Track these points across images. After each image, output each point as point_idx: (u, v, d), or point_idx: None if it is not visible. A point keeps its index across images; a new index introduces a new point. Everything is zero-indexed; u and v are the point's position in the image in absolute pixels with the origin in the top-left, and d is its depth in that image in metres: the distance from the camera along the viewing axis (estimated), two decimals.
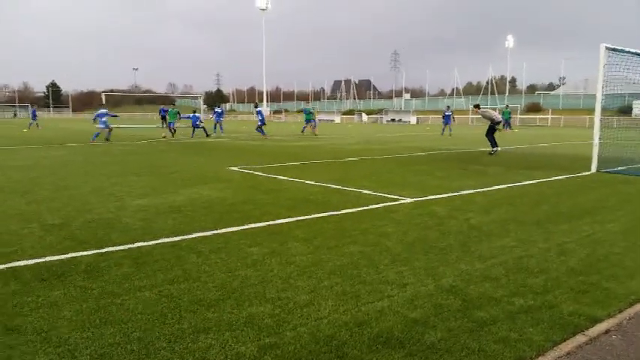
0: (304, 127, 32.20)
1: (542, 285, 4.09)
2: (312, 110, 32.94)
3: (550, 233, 5.82)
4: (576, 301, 3.74)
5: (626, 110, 28.76)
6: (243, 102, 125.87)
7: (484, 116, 16.90)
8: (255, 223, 6.20)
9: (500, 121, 17.17)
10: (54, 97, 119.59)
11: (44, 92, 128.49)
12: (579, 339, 3.14)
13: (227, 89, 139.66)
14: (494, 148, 16.41)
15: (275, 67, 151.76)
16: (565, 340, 3.11)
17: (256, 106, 30.49)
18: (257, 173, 11.24)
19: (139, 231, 5.81)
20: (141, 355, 2.92)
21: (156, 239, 5.39)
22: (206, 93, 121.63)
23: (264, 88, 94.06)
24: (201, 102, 53.17)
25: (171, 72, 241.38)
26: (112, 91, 56.91)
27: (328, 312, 3.51)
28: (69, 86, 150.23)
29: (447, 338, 3.11)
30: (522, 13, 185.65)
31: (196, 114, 27.70)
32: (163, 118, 35.27)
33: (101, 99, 34.59)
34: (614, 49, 11.63)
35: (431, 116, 73.01)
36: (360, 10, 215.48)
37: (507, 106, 41.32)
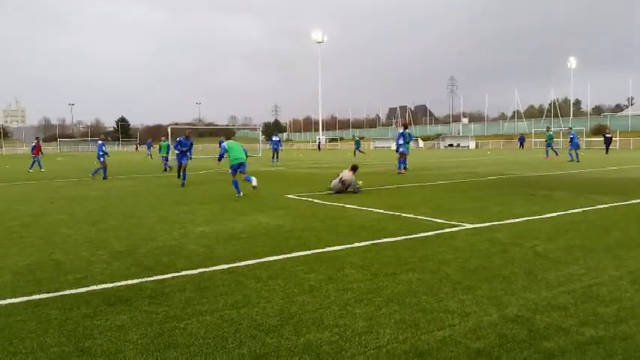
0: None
1: (614, 315, 3.83)
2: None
3: (621, 260, 5.47)
4: None
5: None
6: (299, 131, 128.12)
7: None
8: (312, 249, 6.24)
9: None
10: (122, 131, 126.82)
11: (114, 127, 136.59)
12: None
13: (284, 119, 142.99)
14: None
15: (330, 96, 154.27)
16: None
17: (405, 128, 20.59)
18: (314, 200, 11.35)
19: (201, 257, 6.00)
20: None
21: (217, 265, 5.53)
22: (264, 124, 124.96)
23: (320, 117, 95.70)
24: (260, 132, 54.57)
25: (232, 105, 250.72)
26: (176, 124, 59.62)
27: (387, 340, 3.45)
28: (137, 121, 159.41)
29: None
30: (584, 33, 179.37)
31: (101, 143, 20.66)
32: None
33: (167, 132, 36.26)
34: None
35: (491, 140, 71.21)
36: (415, 40, 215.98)
37: (548, 128, 36.82)
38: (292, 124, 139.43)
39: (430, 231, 7.34)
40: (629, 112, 77.70)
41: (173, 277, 5.15)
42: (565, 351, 3.21)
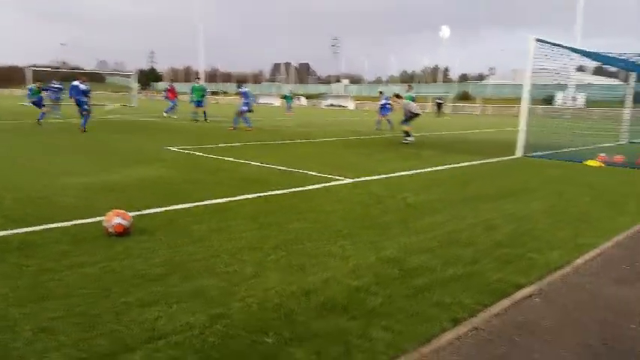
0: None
1: (471, 256, 4.41)
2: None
3: (478, 211, 6.22)
4: (502, 270, 4.07)
5: (550, 100, 30.43)
6: (178, 81, 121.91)
7: (404, 108, 16.00)
8: (197, 201, 6.16)
9: (419, 114, 16.02)
10: None
11: None
12: (505, 302, 3.45)
13: (161, 68, 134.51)
14: (409, 138, 15.50)
15: (213, 47, 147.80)
16: (493, 304, 3.41)
17: (240, 87, 21.28)
18: (197, 153, 11.07)
19: (76, 209, 5.63)
20: (86, 328, 2.90)
21: (95, 217, 5.23)
22: (140, 71, 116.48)
23: (202, 67, 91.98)
24: (135, 80, 50.83)
25: (102, 49, 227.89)
26: (34, 66, 52.92)
27: (275, 283, 3.62)
28: None
29: (387, 303, 3.32)
30: (459, 3, 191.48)
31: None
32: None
33: (24, 75, 32.22)
34: (542, 41, 12.31)
35: (368, 102, 74.28)
36: None
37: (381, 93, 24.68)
38: (171, 74, 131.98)
39: (314, 184, 7.62)
40: (489, 81, 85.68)
41: (45, 229, 4.79)
42: (432, 286, 3.65)
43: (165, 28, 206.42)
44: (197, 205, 5.97)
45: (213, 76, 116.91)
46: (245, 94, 19.32)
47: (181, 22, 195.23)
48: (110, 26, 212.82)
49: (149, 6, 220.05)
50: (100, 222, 4.82)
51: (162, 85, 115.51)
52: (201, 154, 11.03)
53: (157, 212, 5.59)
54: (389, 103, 21.81)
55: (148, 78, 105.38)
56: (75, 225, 4.98)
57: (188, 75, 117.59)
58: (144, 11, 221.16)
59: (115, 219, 4.63)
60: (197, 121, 21.72)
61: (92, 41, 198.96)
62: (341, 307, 3.23)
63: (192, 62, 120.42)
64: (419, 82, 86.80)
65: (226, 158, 10.35)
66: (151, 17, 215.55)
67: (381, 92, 24.00)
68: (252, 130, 18.23)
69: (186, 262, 4.03)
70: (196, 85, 23.05)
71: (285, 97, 40.99)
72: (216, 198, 6.37)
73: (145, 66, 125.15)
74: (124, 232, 4.63)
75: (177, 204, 5.97)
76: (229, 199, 6.39)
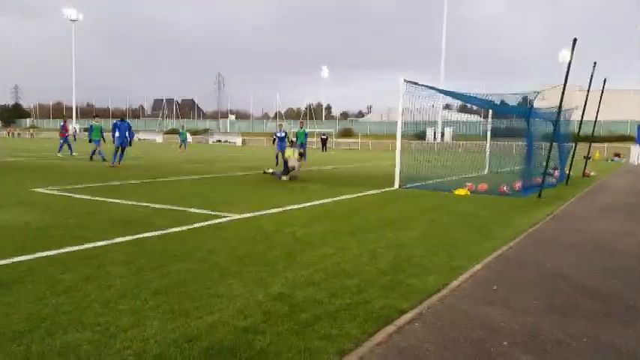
0: None
1: (357, 285, 4.52)
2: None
3: (362, 241, 6.45)
4: (386, 297, 4.22)
5: (421, 135, 32.88)
6: (47, 118, 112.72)
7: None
8: (66, 247, 5.62)
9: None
10: None
11: None
12: (389, 329, 3.55)
13: (28, 103, 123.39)
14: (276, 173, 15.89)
15: (86, 81, 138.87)
16: (378, 331, 3.49)
17: (122, 120, 19.33)
18: (70, 194, 10.19)
19: None
20: None
21: None
22: (2, 107, 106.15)
23: (74, 103, 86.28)
24: None
25: None
26: None
27: (155, 332, 3.37)
28: None
29: (276, 341, 3.25)
30: (340, 43, 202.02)
31: None
32: None
33: None
34: (410, 82, 13.39)
35: (256, 137, 74.72)
36: (180, 28, 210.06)
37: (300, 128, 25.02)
38: (39, 110, 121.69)
39: (199, 222, 7.37)
40: (369, 118, 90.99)
41: None
42: (319, 319, 3.65)
43: (32, 62, 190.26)
44: (66, 252, 5.44)
45: (87, 112, 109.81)
46: (119, 128, 18.61)
47: (51, 55, 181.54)
48: None
49: (17, 38, 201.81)
50: None
51: (29, 121, 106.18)
52: (74, 194, 10.17)
53: (17, 261, 4.99)
54: (286, 138, 21.01)
55: (11, 114, 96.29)
56: None
57: (58, 111, 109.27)
58: (11, 44, 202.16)
59: None
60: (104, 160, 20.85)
61: None
62: (227, 351, 3.09)
63: (63, 97, 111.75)
64: (305, 119, 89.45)
65: (103, 199, 9.65)
66: (17, 50, 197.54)
67: (280, 125, 23.96)
68: (130, 168, 17.31)
69: (53, 315, 3.62)
70: (95, 123, 23.30)
71: (179, 132, 41.39)
72: (88, 242, 5.86)
73: (9, 102, 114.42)
74: None
75: (42, 251, 5.39)
76: (104, 242, 5.92)
